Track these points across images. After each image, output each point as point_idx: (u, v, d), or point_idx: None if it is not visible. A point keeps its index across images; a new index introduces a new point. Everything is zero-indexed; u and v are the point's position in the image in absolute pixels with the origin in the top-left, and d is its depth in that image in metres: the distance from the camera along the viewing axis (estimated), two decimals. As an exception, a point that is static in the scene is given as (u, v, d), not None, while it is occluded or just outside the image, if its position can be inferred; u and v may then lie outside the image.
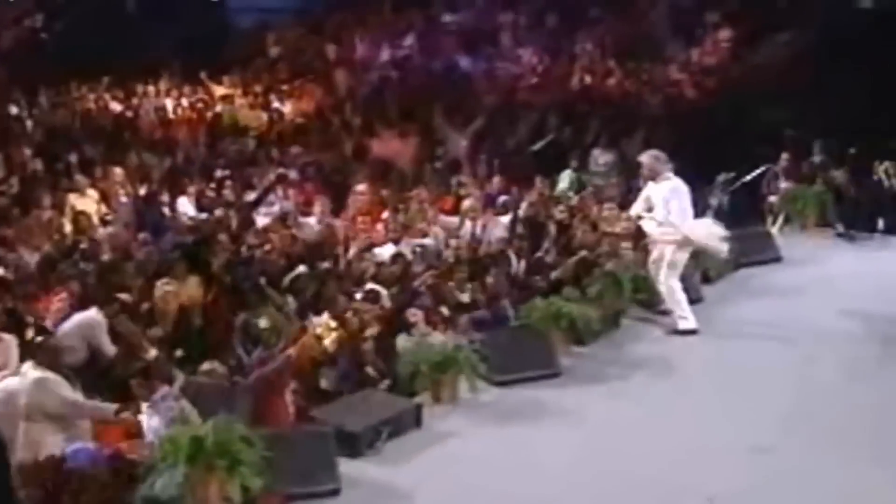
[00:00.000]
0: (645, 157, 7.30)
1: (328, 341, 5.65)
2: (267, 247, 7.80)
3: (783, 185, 9.83)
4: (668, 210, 7.09)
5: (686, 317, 7.14)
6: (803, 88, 11.03)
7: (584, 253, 7.80)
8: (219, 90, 13.50)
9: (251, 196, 9.51)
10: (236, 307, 6.79)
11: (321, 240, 8.23)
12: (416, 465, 5.43)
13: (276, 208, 9.38)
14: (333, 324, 5.73)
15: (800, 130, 10.51)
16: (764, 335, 7.07)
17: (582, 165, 10.86)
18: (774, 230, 9.32)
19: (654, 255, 7.27)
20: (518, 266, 7.86)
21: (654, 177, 7.19)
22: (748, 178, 9.96)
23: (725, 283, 8.16)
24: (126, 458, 4.99)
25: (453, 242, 8.20)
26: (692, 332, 7.08)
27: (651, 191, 7.25)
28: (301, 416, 5.71)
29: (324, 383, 6.16)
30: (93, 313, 6.30)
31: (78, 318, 6.30)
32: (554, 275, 7.61)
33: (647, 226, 7.28)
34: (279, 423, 5.59)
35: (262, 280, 7.11)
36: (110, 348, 6.25)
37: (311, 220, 8.93)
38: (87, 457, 4.95)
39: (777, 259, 8.69)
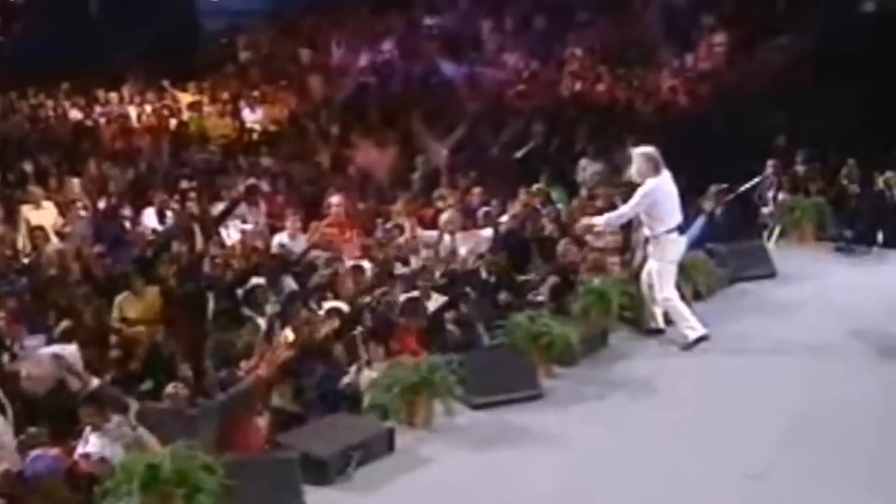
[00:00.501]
0: (635, 157, 7.30)
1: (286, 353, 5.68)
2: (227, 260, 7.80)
3: (780, 195, 9.92)
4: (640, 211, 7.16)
5: (692, 326, 7.17)
6: (801, 95, 11.16)
7: (552, 280, 7.77)
8: (185, 97, 13.52)
9: (217, 208, 9.50)
10: (193, 321, 6.80)
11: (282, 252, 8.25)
12: (388, 493, 5.41)
13: (248, 224, 9.40)
14: (291, 336, 5.75)
15: (798, 139, 10.63)
16: (758, 354, 7.10)
17: (565, 176, 10.91)
18: (770, 244, 9.38)
19: (645, 268, 7.32)
20: (490, 283, 7.86)
21: (641, 178, 7.23)
22: (742, 188, 10.04)
23: (718, 300, 8.18)
24: (85, 472, 4.99)
25: (423, 253, 8.22)
26: (704, 338, 7.12)
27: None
28: (271, 440, 5.72)
29: (278, 400, 6.15)
30: (72, 349, 6.31)
31: (56, 349, 6.31)
32: (531, 296, 7.64)
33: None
34: (249, 448, 5.59)
35: (210, 294, 7.13)
36: (76, 384, 6.25)
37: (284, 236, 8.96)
38: (46, 466, 4.96)
39: (772, 274, 8.72)
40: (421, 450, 5.88)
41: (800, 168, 10.27)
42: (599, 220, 7.59)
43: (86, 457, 5.30)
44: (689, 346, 7.16)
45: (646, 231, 7.30)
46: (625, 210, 7.36)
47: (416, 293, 7.51)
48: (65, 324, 6.71)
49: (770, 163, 10.35)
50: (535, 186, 10.07)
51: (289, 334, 5.79)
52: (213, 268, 7.61)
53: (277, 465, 5.27)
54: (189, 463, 4.80)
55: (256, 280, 7.38)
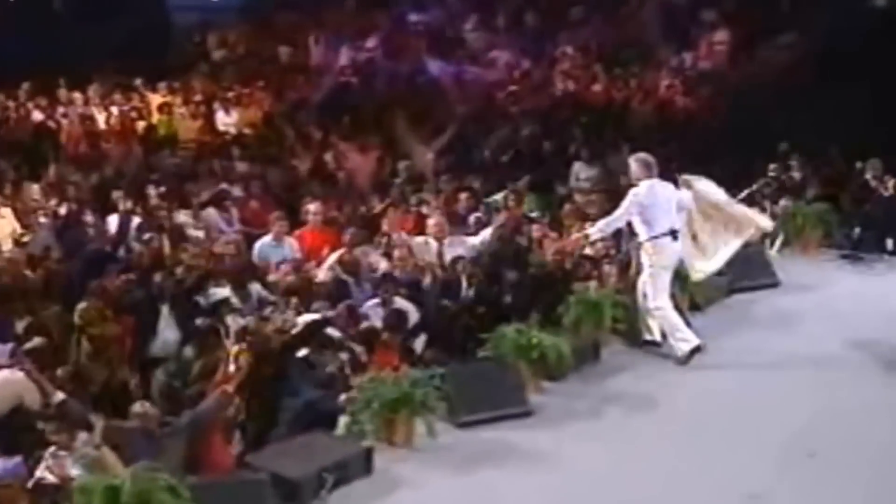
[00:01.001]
0: (631, 162, 7.48)
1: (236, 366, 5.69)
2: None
3: (782, 202, 9.98)
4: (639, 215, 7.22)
5: (685, 337, 7.20)
6: (804, 96, 11.23)
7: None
8: (155, 98, 13.50)
9: (181, 217, 9.50)
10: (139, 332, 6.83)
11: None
12: (364, 517, 5.41)
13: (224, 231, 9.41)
14: (237, 347, 5.78)
15: (801, 142, 10.69)
16: (759, 368, 7.14)
17: (550, 182, 10.90)
18: (772, 252, 9.43)
19: (640, 276, 7.34)
20: (467, 294, 7.89)
21: (636, 181, 7.32)
22: (743, 193, 10.08)
23: (717, 311, 8.23)
24: (50, 487, 4.99)
25: (396, 253, 8.23)
26: (698, 349, 7.15)
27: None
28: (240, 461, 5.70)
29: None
30: (20, 376, 6.24)
31: (5, 374, 6.26)
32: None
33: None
34: (217, 469, 5.56)
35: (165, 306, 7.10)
36: (36, 401, 6.21)
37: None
38: (8, 470, 4.96)
39: (775, 284, 8.79)
40: (401, 471, 5.86)
41: (795, 174, 10.33)
42: (591, 230, 7.63)
43: (50, 473, 5.27)
44: (684, 359, 7.18)
45: (639, 236, 7.33)
46: (617, 214, 7.40)
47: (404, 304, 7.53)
48: (37, 340, 6.67)
49: (772, 167, 10.42)
50: (499, 195, 10.01)
51: (242, 346, 5.81)
52: (165, 278, 7.61)
53: (246, 487, 5.26)
54: (151, 485, 4.80)
55: (222, 291, 7.36)
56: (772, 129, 11.39)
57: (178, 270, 7.76)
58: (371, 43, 15.13)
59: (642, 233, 7.27)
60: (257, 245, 8.85)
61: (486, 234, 9.03)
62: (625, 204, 7.29)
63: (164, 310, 7.32)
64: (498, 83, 14.01)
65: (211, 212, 9.77)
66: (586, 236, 7.69)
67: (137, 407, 6.00)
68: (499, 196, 10.11)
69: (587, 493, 5.60)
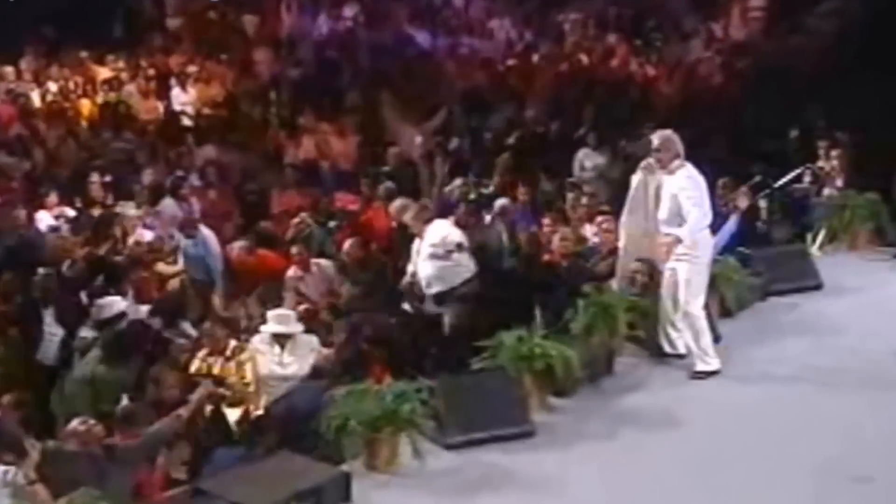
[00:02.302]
0: (660, 137, 7.31)
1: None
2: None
3: (826, 191, 10.03)
4: (679, 206, 7.11)
5: (708, 355, 7.23)
6: (852, 72, 11.28)
7: None
8: (101, 73, 13.55)
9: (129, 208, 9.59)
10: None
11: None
12: (340, 552, 5.46)
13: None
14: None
15: (848, 123, 10.74)
16: (795, 382, 7.16)
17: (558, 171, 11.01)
18: (814, 249, 9.47)
19: (665, 277, 7.31)
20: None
21: (667, 164, 7.21)
22: (782, 181, 10.15)
23: (749, 317, 8.25)
24: None
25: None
26: (714, 373, 7.19)
27: (653, 184, 7.30)
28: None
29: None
30: None
31: None
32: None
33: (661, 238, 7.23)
34: (166, 499, 5.62)
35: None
36: None
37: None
38: None
39: (817, 286, 8.81)
40: (382, 499, 5.88)
41: (836, 161, 10.34)
42: (683, 231, 7.14)
43: None
44: (697, 375, 7.18)
45: (671, 229, 7.17)
46: (701, 209, 7.14)
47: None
48: None
49: (821, 145, 10.31)
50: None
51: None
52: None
53: (202, 518, 5.29)
54: (91, 515, 4.83)
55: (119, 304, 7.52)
56: (814, 109, 11.47)
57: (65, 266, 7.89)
58: (349, 11, 15.20)
59: (682, 225, 7.12)
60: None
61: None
62: (696, 193, 7.11)
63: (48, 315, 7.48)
64: (497, 57, 14.10)
65: (168, 202, 9.83)
66: (678, 240, 7.16)
67: (77, 424, 6.04)
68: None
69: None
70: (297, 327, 7.57)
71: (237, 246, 9.19)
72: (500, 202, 9.66)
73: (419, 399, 6.22)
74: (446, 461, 6.28)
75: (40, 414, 6.95)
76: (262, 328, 7.60)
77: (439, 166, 11.11)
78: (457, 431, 6.41)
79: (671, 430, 6.65)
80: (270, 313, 7.66)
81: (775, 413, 6.78)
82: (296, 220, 9.56)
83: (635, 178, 7.54)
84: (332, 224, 9.88)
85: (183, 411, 6.21)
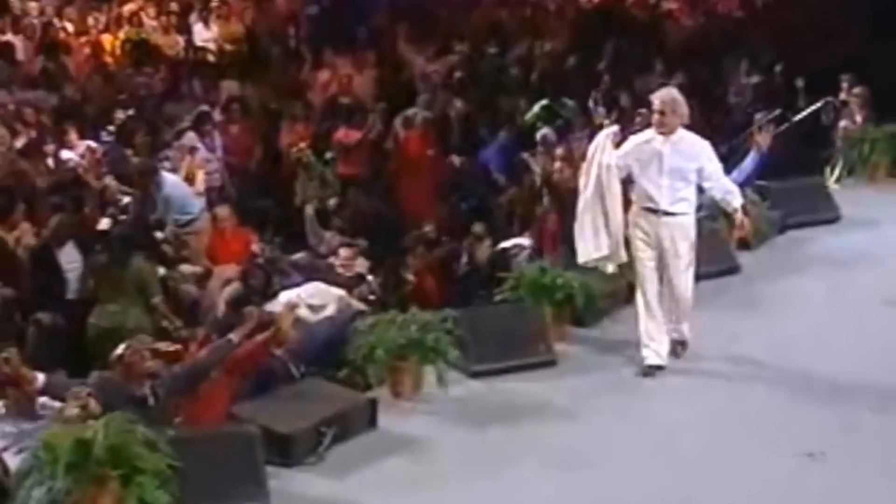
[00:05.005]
0: (665, 95, 6.36)
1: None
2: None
3: (843, 123, 9.86)
4: (702, 178, 6.32)
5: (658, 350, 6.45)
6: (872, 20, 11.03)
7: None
8: (125, 8, 13.40)
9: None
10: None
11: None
12: (366, 477, 5.43)
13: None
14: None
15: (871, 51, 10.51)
16: (817, 315, 7.07)
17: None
18: (832, 182, 9.34)
19: (665, 247, 6.39)
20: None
21: (671, 127, 6.27)
22: (800, 115, 9.99)
23: (768, 250, 8.18)
24: None
25: None
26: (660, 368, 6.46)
27: (649, 147, 6.32)
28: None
29: None
30: None
31: None
32: None
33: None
34: (206, 419, 5.59)
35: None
36: None
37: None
38: None
39: (835, 219, 8.72)
40: (408, 426, 5.89)
41: (858, 90, 10.08)
42: (735, 201, 6.50)
43: None
44: (645, 371, 6.43)
45: (669, 206, 6.28)
46: (736, 181, 6.81)
47: None
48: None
49: (844, 78, 10.08)
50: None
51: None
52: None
53: (233, 442, 5.28)
54: (127, 438, 4.80)
55: None
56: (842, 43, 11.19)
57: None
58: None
59: (693, 202, 6.41)
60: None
61: None
62: (711, 162, 6.38)
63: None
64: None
65: (190, 136, 9.76)
66: (744, 209, 6.58)
67: (123, 350, 5.85)
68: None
69: (613, 453, 5.58)
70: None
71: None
72: (543, 131, 9.64)
73: (444, 329, 6.22)
74: (469, 389, 6.30)
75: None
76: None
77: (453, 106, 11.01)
78: (480, 360, 6.41)
79: (692, 361, 6.59)
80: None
81: (795, 348, 6.66)
82: (293, 149, 9.69)
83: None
84: (328, 156, 9.99)
85: (234, 336, 6.06)
